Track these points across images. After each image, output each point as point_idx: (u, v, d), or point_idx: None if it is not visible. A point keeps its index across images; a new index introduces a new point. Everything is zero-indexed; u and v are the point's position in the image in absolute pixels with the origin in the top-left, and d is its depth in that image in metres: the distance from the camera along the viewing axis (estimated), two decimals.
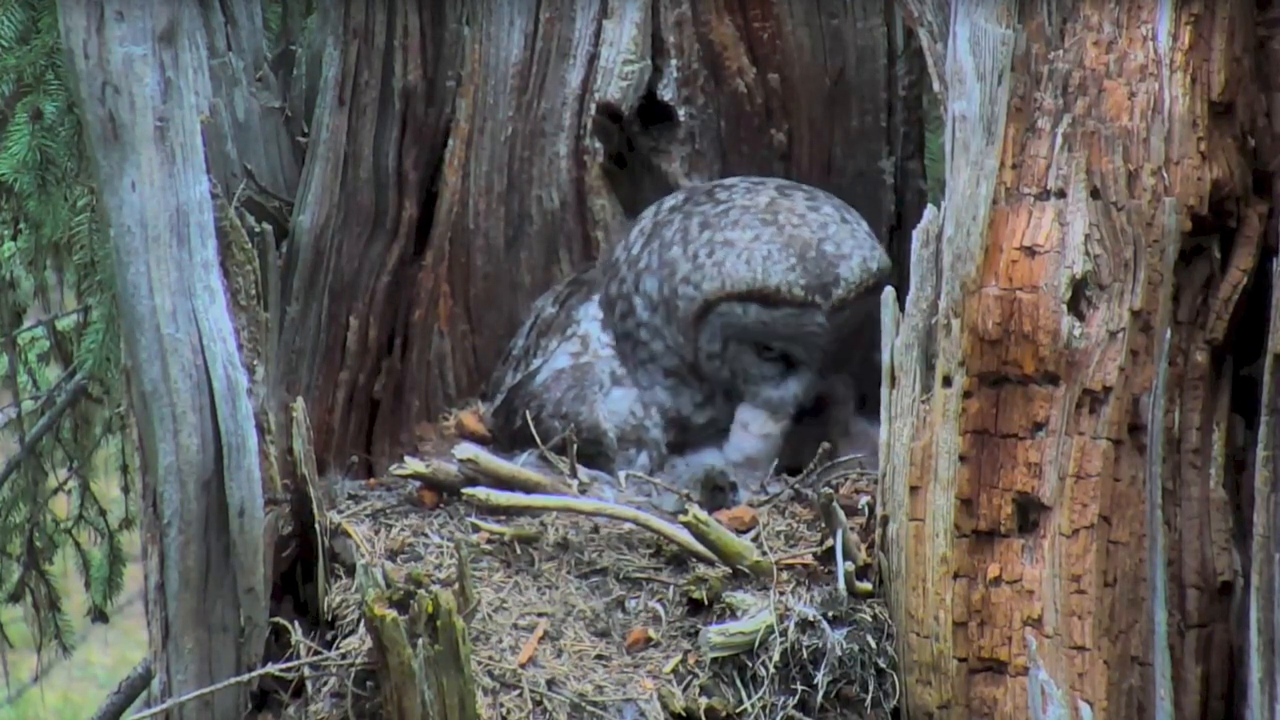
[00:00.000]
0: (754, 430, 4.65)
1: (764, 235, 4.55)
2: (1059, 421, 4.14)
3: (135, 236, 4.16)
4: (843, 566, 4.24)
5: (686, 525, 4.26)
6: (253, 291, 4.27)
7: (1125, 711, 4.15)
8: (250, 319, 4.26)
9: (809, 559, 4.32)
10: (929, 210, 4.25)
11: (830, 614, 4.21)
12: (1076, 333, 4.14)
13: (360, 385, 4.87)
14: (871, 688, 4.19)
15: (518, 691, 4.11)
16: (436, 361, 4.92)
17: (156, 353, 4.18)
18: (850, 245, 4.55)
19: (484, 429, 4.79)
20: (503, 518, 4.37)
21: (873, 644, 4.20)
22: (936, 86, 4.35)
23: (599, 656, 4.20)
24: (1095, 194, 4.17)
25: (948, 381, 4.18)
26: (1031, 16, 4.22)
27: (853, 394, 4.71)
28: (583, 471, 4.51)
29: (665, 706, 4.13)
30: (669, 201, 4.72)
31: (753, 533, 4.37)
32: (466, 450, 4.41)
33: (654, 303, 4.63)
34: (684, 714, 4.13)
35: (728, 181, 4.71)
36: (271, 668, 4.22)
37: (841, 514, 4.25)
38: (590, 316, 4.75)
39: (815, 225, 4.56)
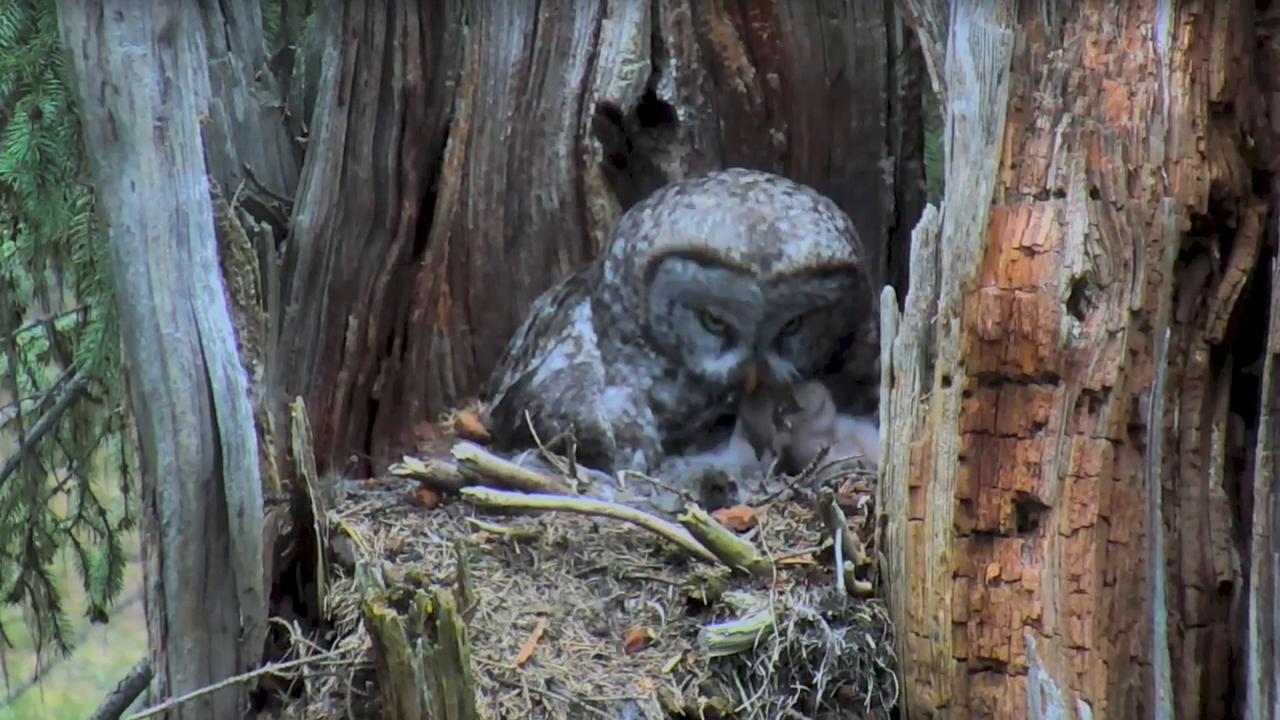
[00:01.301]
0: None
1: (725, 204, 4.58)
2: (1058, 421, 4.14)
3: (135, 236, 4.16)
4: (842, 566, 4.24)
5: (686, 525, 4.26)
6: (252, 291, 4.27)
7: (1125, 711, 4.15)
8: (250, 319, 4.26)
9: (808, 559, 4.32)
10: (929, 210, 4.25)
11: (830, 614, 4.21)
12: (1076, 332, 4.14)
13: (360, 385, 4.87)
14: (871, 687, 4.19)
15: (517, 691, 4.11)
16: (436, 361, 4.92)
17: (156, 353, 4.18)
18: (808, 230, 4.55)
19: (483, 429, 4.79)
20: (502, 517, 4.37)
21: (872, 644, 4.20)
22: (936, 86, 4.35)
23: (598, 656, 4.20)
24: (1095, 194, 4.17)
25: (947, 381, 4.18)
26: (1031, 16, 4.22)
27: (822, 399, 4.72)
28: (582, 471, 4.51)
29: (665, 706, 4.13)
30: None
31: (752, 532, 4.37)
32: (466, 450, 4.41)
33: (618, 262, 4.67)
34: (683, 713, 4.13)
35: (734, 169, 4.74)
36: (271, 668, 4.21)
37: (841, 514, 4.24)
38: (584, 317, 4.75)
39: (779, 206, 4.57)
